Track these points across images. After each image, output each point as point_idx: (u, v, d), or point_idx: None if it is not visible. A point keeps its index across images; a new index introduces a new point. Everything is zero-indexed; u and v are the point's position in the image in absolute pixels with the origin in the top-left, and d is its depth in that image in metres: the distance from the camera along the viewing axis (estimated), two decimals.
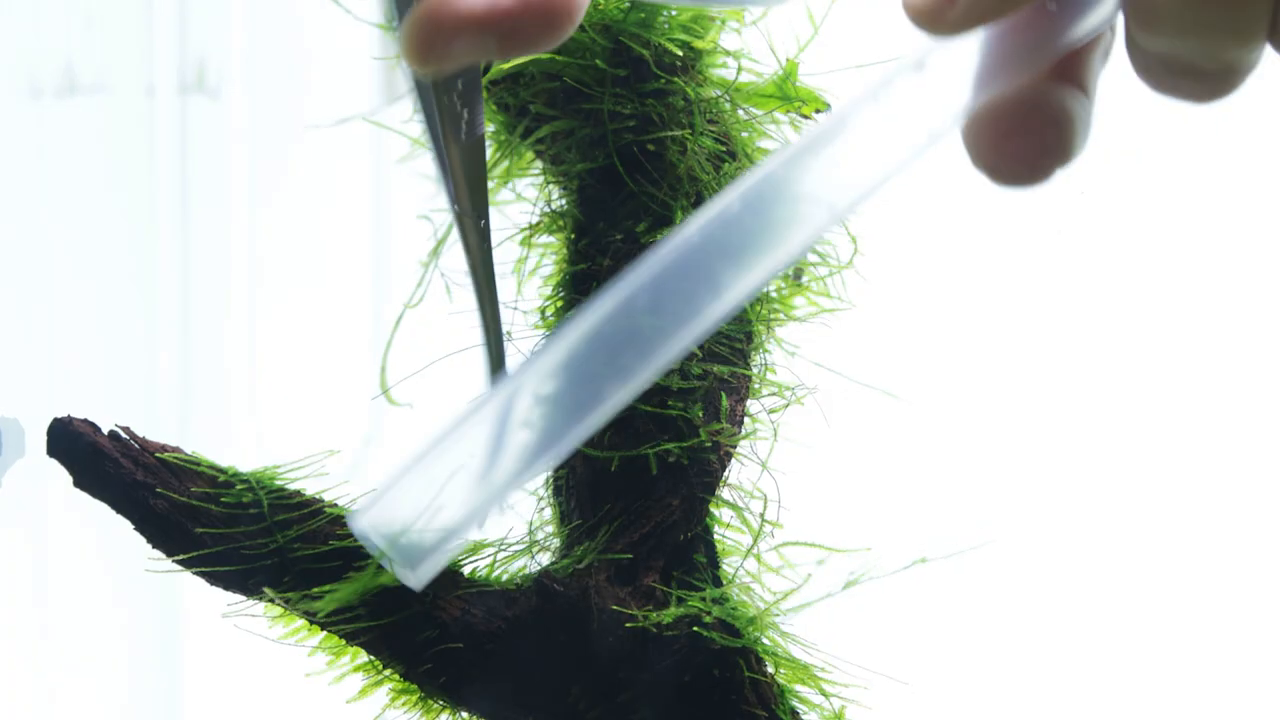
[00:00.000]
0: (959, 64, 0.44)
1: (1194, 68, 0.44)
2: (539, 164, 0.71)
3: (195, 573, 0.64)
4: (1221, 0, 0.42)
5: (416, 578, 0.45)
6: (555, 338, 0.43)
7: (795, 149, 0.44)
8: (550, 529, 0.69)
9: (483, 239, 0.60)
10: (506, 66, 0.68)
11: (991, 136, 0.44)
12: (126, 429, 0.65)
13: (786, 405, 0.70)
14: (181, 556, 0.64)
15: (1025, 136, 0.44)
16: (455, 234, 0.60)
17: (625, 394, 0.43)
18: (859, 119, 0.44)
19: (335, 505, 0.66)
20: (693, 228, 0.43)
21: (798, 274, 0.71)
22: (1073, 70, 0.45)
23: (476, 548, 0.67)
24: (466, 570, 0.67)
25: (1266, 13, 0.42)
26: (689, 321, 0.42)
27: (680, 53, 0.68)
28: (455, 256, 0.67)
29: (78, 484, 0.64)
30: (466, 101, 0.55)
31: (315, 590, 0.63)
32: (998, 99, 0.44)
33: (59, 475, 0.64)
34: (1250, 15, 0.42)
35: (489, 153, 0.71)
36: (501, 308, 0.62)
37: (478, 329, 0.62)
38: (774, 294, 0.70)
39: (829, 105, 0.71)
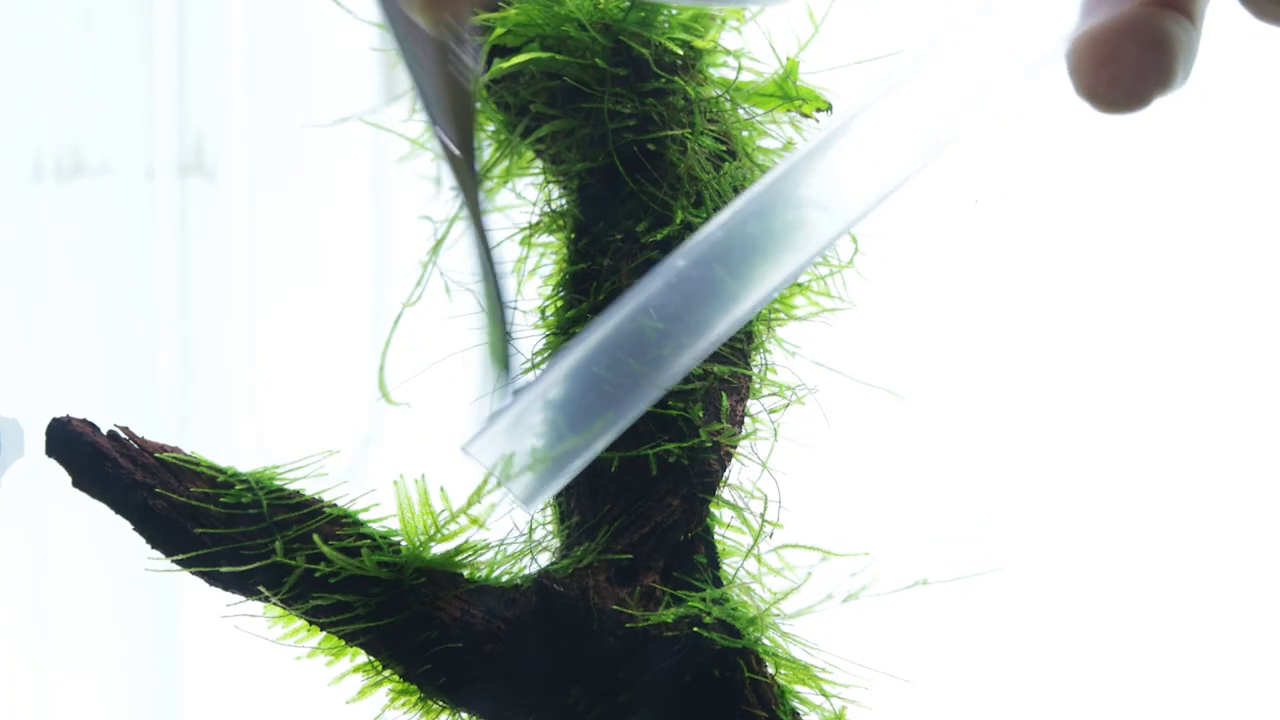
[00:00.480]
0: None
1: None
2: (539, 164, 0.71)
3: (194, 573, 0.64)
4: None
5: (525, 500, 0.47)
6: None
7: (898, 78, 0.45)
8: (550, 529, 0.69)
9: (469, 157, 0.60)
10: (506, 66, 0.67)
11: (1094, 60, 0.44)
12: (126, 429, 0.65)
13: (786, 405, 0.70)
14: (180, 556, 0.64)
15: (1126, 60, 0.44)
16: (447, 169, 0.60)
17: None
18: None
19: (335, 505, 0.66)
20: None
21: None
22: None
23: (476, 548, 0.67)
24: (466, 570, 0.67)
25: None
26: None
27: (680, 52, 0.68)
28: (455, 257, 0.67)
29: (77, 484, 0.64)
30: (460, 39, 0.56)
31: None
32: (1103, 22, 0.44)
33: (59, 475, 0.64)
34: None
35: (489, 152, 0.71)
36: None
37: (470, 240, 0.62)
38: None
39: (830, 105, 0.71)
